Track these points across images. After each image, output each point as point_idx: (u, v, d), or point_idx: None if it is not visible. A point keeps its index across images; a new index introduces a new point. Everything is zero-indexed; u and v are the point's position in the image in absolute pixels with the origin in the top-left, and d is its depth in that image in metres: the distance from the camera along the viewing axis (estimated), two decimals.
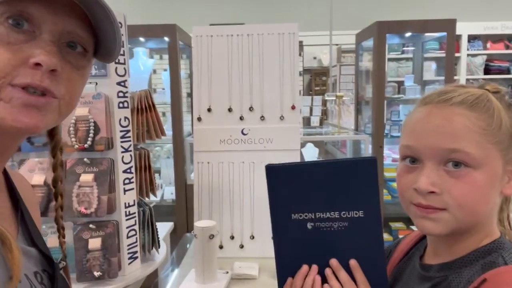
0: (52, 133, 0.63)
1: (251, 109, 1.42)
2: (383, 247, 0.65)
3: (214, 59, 1.42)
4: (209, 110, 1.43)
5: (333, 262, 0.64)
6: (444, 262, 0.62)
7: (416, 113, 0.63)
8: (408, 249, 0.76)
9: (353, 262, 0.64)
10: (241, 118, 1.42)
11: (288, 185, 0.63)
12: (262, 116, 1.41)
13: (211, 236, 1.18)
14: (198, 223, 1.20)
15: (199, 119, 1.43)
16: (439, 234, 0.60)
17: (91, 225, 1.17)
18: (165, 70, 3.57)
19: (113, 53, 0.54)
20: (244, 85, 1.41)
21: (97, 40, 0.52)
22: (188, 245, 1.58)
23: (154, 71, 3.80)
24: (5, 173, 0.58)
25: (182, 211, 3.14)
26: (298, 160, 1.41)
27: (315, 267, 0.65)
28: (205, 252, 1.18)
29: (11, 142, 0.53)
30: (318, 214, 0.63)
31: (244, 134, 1.41)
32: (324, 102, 4.48)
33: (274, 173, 0.64)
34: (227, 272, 1.26)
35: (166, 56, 3.70)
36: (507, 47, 5.20)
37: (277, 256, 0.67)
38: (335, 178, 0.62)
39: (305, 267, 0.65)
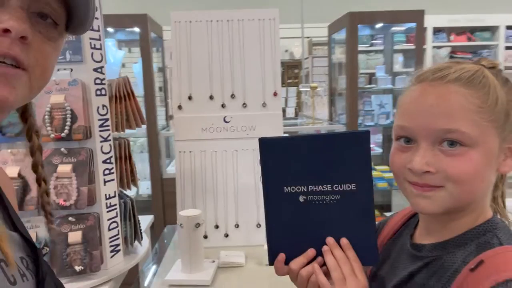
0: (25, 115, 0.59)
1: (233, 96, 1.40)
2: (375, 221, 0.65)
3: (194, 45, 1.39)
4: (189, 98, 1.39)
5: (330, 240, 0.64)
6: (438, 242, 0.62)
7: (410, 91, 0.61)
8: (398, 227, 0.76)
9: (344, 241, 0.64)
10: (223, 106, 1.40)
11: (280, 158, 0.63)
12: (244, 103, 1.40)
13: (197, 225, 1.16)
14: (183, 212, 1.18)
15: (179, 107, 1.40)
16: (434, 213, 0.60)
17: (70, 218, 1.11)
18: (135, 63, 3.48)
19: (86, 22, 0.52)
20: (225, 72, 1.39)
21: (68, 14, 0.50)
22: (165, 240, 1.54)
23: (123, 65, 3.69)
24: None
25: (158, 206, 3.07)
26: None
27: (311, 253, 0.65)
28: (191, 241, 1.16)
29: None
30: (311, 187, 0.63)
31: (226, 122, 1.39)
32: (298, 95, 4.51)
33: (267, 146, 0.64)
34: (214, 261, 1.24)
35: (135, 49, 3.61)
36: (470, 39, 5.42)
37: (268, 229, 0.66)
38: (327, 151, 0.62)
39: (301, 259, 0.65)
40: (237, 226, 1.41)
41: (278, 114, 1.41)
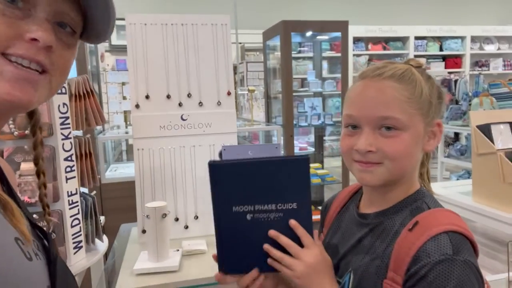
0: (31, 112, 0.64)
1: (189, 95, 1.48)
2: (313, 233, 0.74)
3: (150, 47, 1.45)
4: (147, 97, 1.45)
5: (271, 231, 0.70)
6: (379, 210, 0.75)
7: (355, 87, 0.74)
8: (345, 201, 0.89)
9: (293, 222, 0.70)
10: (180, 105, 1.47)
11: (229, 181, 0.69)
12: (200, 102, 1.49)
13: (164, 215, 1.23)
14: (149, 204, 1.23)
15: (137, 106, 1.44)
16: (376, 185, 0.74)
17: (35, 215, 1.11)
18: None
19: (102, 35, 0.57)
20: (181, 73, 1.47)
21: (85, 22, 0.55)
22: (114, 243, 1.55)
23: None
24: None
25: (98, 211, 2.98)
26: (235, 142, 1.52)
27: (255, 274, 0.71)
28: (158, 231, 1.22)
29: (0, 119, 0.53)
30: (257, 207, 0.69)
31: (184, 120, 1.47)
32: (235, 98, 4.64)
33: (217, 170, 0.69)
34: (178, 250, 1.31)
35: None
36: (385, 48, 6.03)
37: (219, 247, 0.70)
38: (272, 174, 0.69)
39: (247, 279, 0.71)
40: (196, 217, 1.49)
41: (232, 112, 1.53)
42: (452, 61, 6.39)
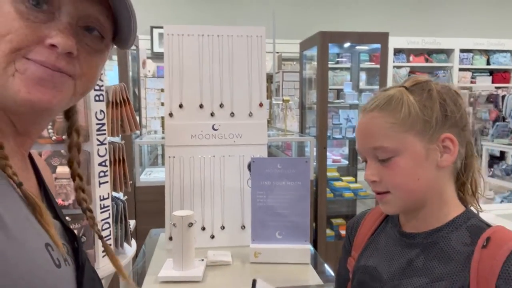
0: (68, 114, 0.64)
1: (221, 105, 1.49)
2: None
3: (185, 57, 1.47)
4: (180, 106, 1.47)
5: None
6: (429, 229, 0.72)
7: (358, 121, 0.79)
8: (379, 222, 0.86)
9: None
10: (212, 114, 1.49)
11: None
12: (232, 113, 1.50)
13: (190, 225, 1.23)
14: (176, 213, 1.24)
15: (170, 115, 1.47)
16: (395, 213, 0.75)
17: (67, 218, 1.15)
18: (110, 70, 3.49)
19: (127, 40, 0.55)
20: (215, 83, 1.49)
21: (116, 26, 0.53)
22: (143, 247, 1.57)
23: None
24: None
25: (130, 215, 3.06)
26: (265, 154, 1.51)
27: None
28: (184, 240, 1.23)
29: (34, 123, 0.53)
30: None
31: (215, 130, 1.49)
32: (270, 107, 4.65)
33: None
34: (203, 260, 1.31)
35: (114, 57, 3.61)
36: (427, 61, 5.84)
37: None
38: None
39: None
40: (223, 228, 1.49)
41: (263, 123, 1.52)
42: (500, 75, 6.08)
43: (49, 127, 1.12)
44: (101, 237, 0.67)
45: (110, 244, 1.29)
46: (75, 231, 1.15)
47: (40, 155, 1.12)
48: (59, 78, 0.47)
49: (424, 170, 0.70)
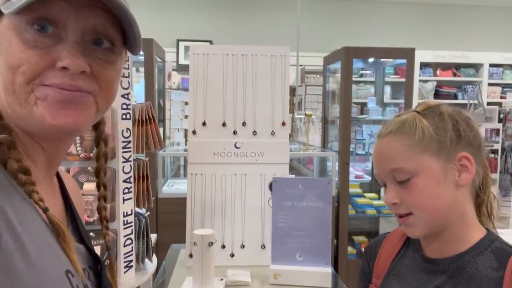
0: (96, 124, 0.65)
1: (244, 124, 1.50)
2: None
3: (210, 76, 1.50)
4: (204, 124, 1.49)
5: None
6: (454, 255, 0.72)
7: (374, 147, 0.81)
8: (400, 247, 0.85)
9: None
10: (235, 133, 1.50)
11: None
12: (255, 131, 1.50)
13: (210, 244, 1.24)
14: (197, 231, 1.25)
15: (194, 132, 1.49)
16: (420, 235, 0.74)
17: (91, 233, 1.18)
18: (137, 82, 3.58)
19: (136, 45, 0.53)
20: (238, 102, 1.50)
21: (125, 32, 0.52)
22: (163, 263, 1.58)
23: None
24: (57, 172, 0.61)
25: (152, 226, 3.10)
26: (287, 173, 1.51)
27: None
28: (203, 259, 1.23)
29: (59, 144, 0.54)
30: None
31: (237, 148, 1.49)
32: (292, 120, 4.64)
33: None
34: (222, 279, 1.31)
35: (141, 69, 3.71)
36: (455, 75, 5.70)
37: None
38: None
39: None
40: (242, 246, 1.49)
41: (285, 142, 1.52)
42: None
43: (78, 144, 1.16)
44: (108, 248, 0.68)
45: (132, 260, 1.31)
46: (99, 246, 1.17)
47: (68, 172, 1.16)
48: (80, 98, 0.48)
49: (444, 189, 0.71)
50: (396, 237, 0.87)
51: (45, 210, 0.48)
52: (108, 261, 0.65)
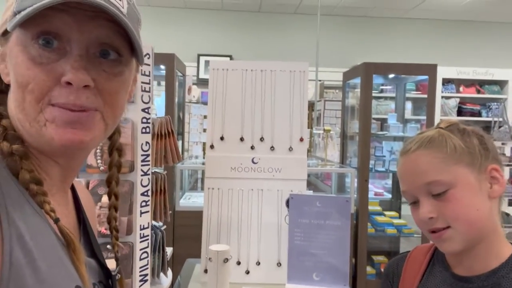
0: (111, 134, 0.62)
1: (262, 139, 1.50)
2: None
3: (229, 91, 1.51)
4: (221, 138, 1.50)
5: None
6: (488, 271, 0.70)
7: (399, 164, 0.79)
8: (426, 266, 0.82)
9: None
10: (252, 148, 1.50)
11: None
12: (272, 147, 1.50)
13: (225, 260, 1.23)
14: (212, 247, 1.24)
15: (211, 146, 1.50)
16: (458, 250, 0.71)
17: (108, 246, 1.19)
18: (158, 95, 3.64)
19: (140, 55, 0.51)
20: (256, 117, 1.50)
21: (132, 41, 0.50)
22: (178, 278, 1.57)
23: None
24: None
25: (169, 239, 3.11)
26: (304, 189, 1.49)
27: None
28: (218, 275, 1.22)
29: (71, 160, 0.54)
30: None
31: (254, 163, 1.49)
32: (310, 135, 4.62)
33: None
34: None
35: (162, 83, 3.78)
36: (478, 92, 5.58)
37: None
38: None
39: None
40: (258, 263, 1.47)
41: (303, 158, 1.51)
42: None
43: (98, 157, 1.18)
44: (117, 259, 0.67)
45: (147, 274, 1.31)
46: (113, 261, 1.17)
47: (88, 184, 1.18)
48: (85, 118, 0.48)
49: (481, 201, 0.71)
50: (420, 254, 0.84)
51: (56, 220, 0.48)
52: (119, 275, 0.63)
